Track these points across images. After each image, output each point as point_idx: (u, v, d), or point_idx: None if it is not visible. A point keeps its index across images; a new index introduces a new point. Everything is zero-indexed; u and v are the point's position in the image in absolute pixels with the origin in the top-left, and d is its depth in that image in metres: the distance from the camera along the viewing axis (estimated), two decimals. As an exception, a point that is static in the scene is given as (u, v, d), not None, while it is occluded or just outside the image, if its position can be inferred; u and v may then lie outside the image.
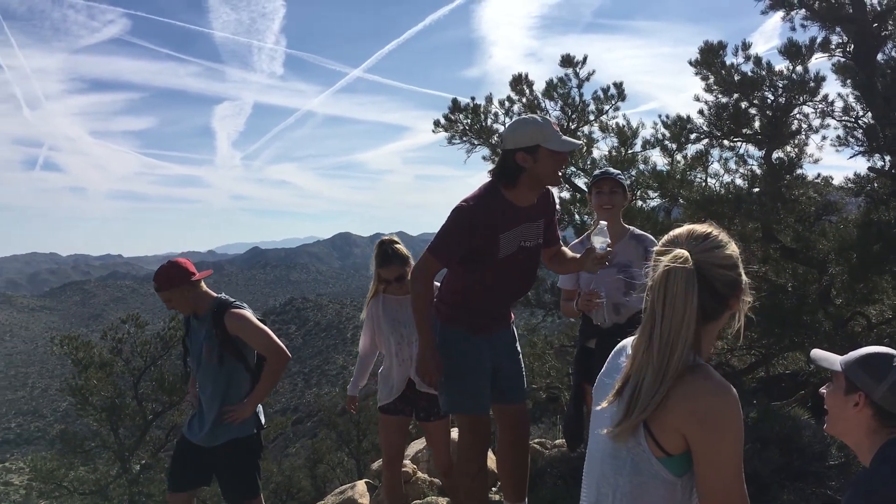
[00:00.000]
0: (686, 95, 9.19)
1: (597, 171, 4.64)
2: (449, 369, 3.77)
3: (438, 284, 3.91)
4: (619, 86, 9.97)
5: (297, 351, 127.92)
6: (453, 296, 3.80)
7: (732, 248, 1.78)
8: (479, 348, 3.77)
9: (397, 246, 4.54)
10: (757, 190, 8.71)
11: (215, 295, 4.32)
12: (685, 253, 1.71)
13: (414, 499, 6.50)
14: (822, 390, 2.23)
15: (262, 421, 4.41)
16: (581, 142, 3.48)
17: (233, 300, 4.29)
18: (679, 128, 9.18)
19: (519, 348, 4.07)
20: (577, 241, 4.70)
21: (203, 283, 4.34)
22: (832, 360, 2.20)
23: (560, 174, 3.60)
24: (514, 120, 3.77)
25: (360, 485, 7.25)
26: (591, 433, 1.90)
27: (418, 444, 7.59)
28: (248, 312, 4.21)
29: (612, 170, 4.48)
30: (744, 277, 1.77)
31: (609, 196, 4.29)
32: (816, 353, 2.28)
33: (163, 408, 15.39)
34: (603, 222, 3.65)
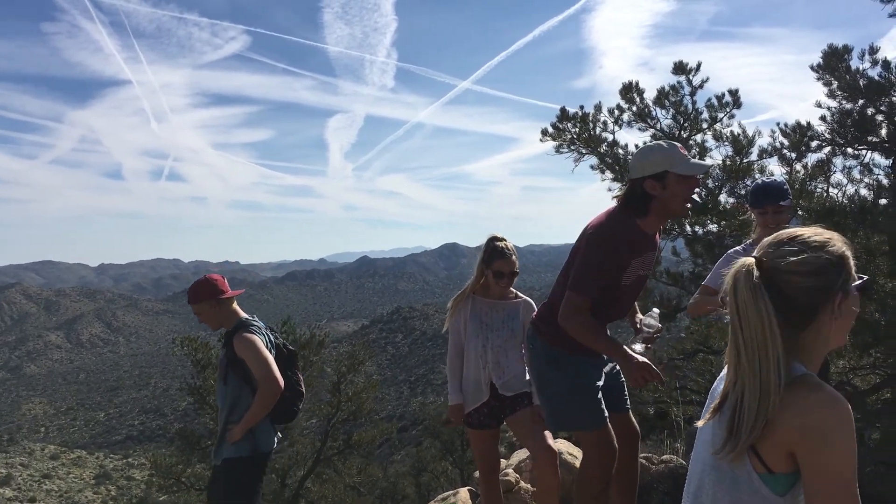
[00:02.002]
0: (807, 104, 8.83)
1: (759, 182, 4.37)
2: (559, 388, 3.75)
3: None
4: (734, 93, 9.67)
5: (404, 359, 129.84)
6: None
7: (817, 254, 1.68)
8: (586, 365, 3.73)
9: (510, 243, 4.53)
10: (883, 201, 8.26)
11: (243, 316, 4.42)
12: (750, 260, 1.70)
13: (516, 509, 6.46)
14: None
15: (270, 446, 4.39)
16: (710, 163, 3.36)
17: (252, 323, 4.36)
18: (799, 136, 8.81)
19: None
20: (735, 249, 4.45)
21: (234, 302, 4.45)
22: None
23: (688, 206, 3.45)
24: (639, 148, 3.68)
25: (463, 492, 7.26)
26: (695, 444, 1.85)
27: (522, 454, 7.54)
28: (258, 338, 4.24)
29: (774, 182, 4.24)
30: (838, 286, 1.66)
31: (774, 216, 4.09)
32: None
33: (273, 408, 15.86)
34: (655, 310, 3.70)
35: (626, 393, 4.04)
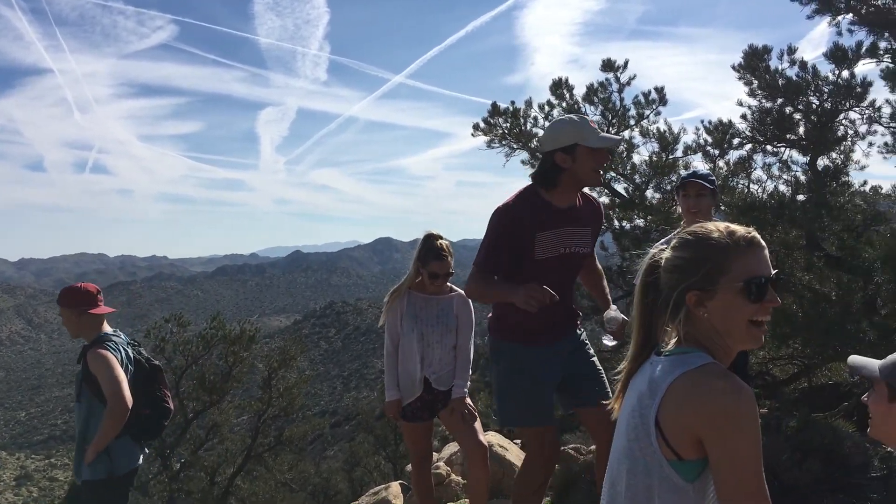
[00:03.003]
0: (731, 103, 9.08)
1: (684, 173, 4.58)
2: (505, 383, 3.77)
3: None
4: (660, 90, 9.89)
5: (337, 355, 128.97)
6: (502, 308, 3.77)
7: (681, 252, 1.77)
8: (538, 359, 3.69)
9: (446, 242, 4.54)
10: (801, 197, 8.56)
11: (105, 331, 4.26)
12: (650, 257, 1.85)
13: (447, 501, 6.50)
14: (865, 398, 2.11)
15: (130, 466, 4.24)
16: (620, 137, 3.38)
17: (111, 338, 4.21)
18: (721, 133, 9.07)
19: (591, 351, 3.94)
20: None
21: (100, 318, 4.28)
22: (871, 366, 2.06)
23: (600, 173, 3.55)
24: (552, 121, 3.74)
25: (395, 486, 7.27)
26: (614, 435, 1.90)
27: (453, 447, 7.58)
28: (112, 355, 4.08)
29: (700, 170, 4.39)
30: (694, 283, 1.73)
31: (695, 200, 4.20)
32: (854, 359, 2.14)
33: (203, 406, 15.62)
34: (613, 306, 3.82)
35: (602, 385, 3.84)
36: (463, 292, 4.67)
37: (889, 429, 1.97)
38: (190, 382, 15.49)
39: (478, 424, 4.55)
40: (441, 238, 4.52)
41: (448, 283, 4.64)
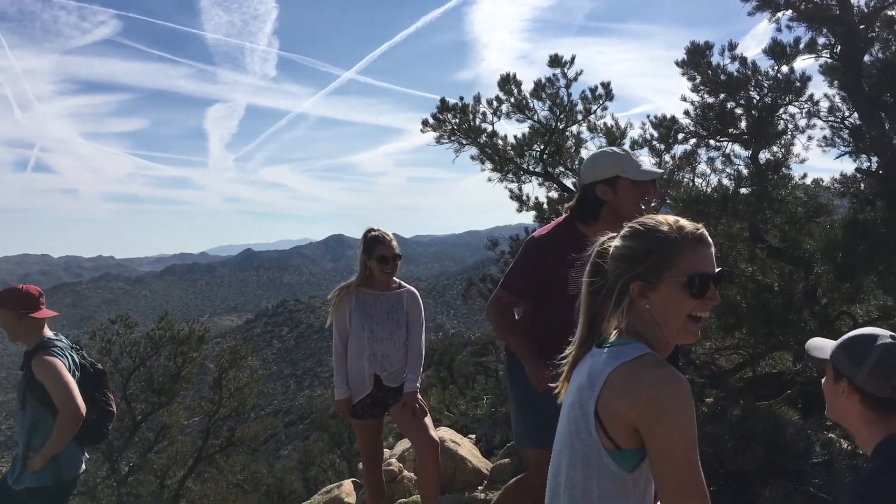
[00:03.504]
0: (677, 98, 9.23)
1: None
2: (512, 401, 3.76)
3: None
4: (606, 86, 9.98)
5: (290, 353, 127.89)
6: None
7: (629, 242, 1.82)
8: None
9: (384, 230, 4.57)
10: (744, 190, 8.73)
11: (46, 335, 4.16)
12: (599, 245, 1.91)
13: (399, 497, 6.50)
14: (823, 380, 2.15)
15: (76, 472, 4.18)
16: (661, 171, 3.30)
17: (54, 344, 4.11)
18: (666, 128, 9.21)
19: None
20: None
21: (41, 322, 4.17)
22: (825, 348, 2.11)
23: (643, 208, 3.37)
24: (592, 153, 3.64)
25: (347, 484, 7.26)
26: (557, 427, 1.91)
27: (405, 444, 7.58)
28: (59, 361, 3.98)
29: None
30: (637, 275, 1.77)
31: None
32: (812, 342, 2.20)
33: (152, 409, 15.36)
34: None
35: None
36: (412, 289, 4.69)
37: (839, 409, 2.02)
38: (138, 384, 15.21)
39: (428, 420, 4.57)
40: (379, 229, 4.57)
41: (396, 279, 4.64)
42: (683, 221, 1.80)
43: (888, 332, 1.98)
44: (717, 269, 1.78)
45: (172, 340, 15.37)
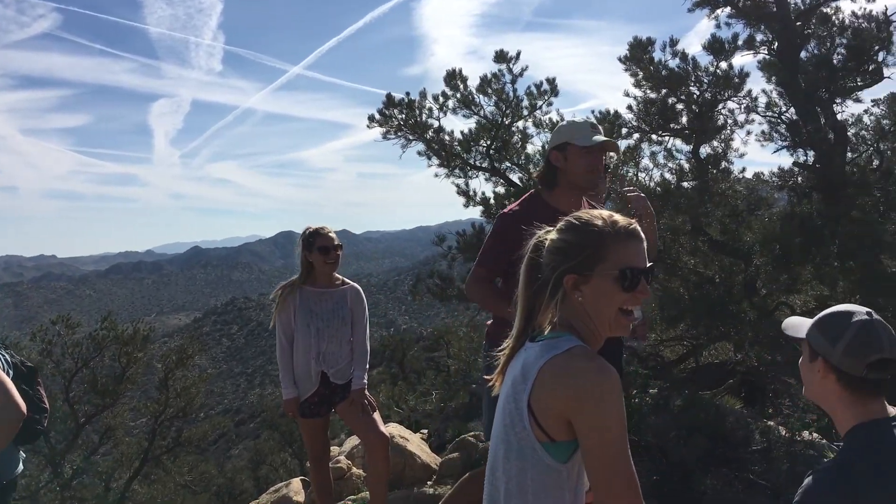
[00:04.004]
0: (622, 93, 9.36)
1: None
2: (488, 396, 3.77)
3: None
4: (551, 81, 10.05)
5: (240, 351, 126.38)
6: (501, 323, 3.77)
7: (565, 235, 1.84)
8: None
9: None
10: (686, 184, 8.90)
11: None
12: (538, 237, 1.91)
13: (348, 495, 6.47)
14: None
15: (14, 472, 4.00)
16: (611, 140, 3.33)
17: None
18: (610, 123, 9.32)
19: None
20: None
21: None
22: (801, 326, 2.07)
23: (595, 175, 3.49)
24: None
25: (296, 482, 7.19)
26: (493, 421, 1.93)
27: (354, 440, 7.55)
28: None
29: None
30: (571, 268, 1.79)
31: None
32: (788, 321, 2.16)
33: (95, 410, 15.03)
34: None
35: None
36: (356, 285, 4.68)
37: (815, 388, 2.00)
38: (81, 386, 14.86)
39: (377, 416, 4.57)
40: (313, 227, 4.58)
41: (339, 276, 4.63)
42: (617, 216, 1.83)
43: (864, 309, 1.95)
44: (648, 264, 1.82)
45: (116, 341, 15.05)
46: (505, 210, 3.60)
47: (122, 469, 15.79)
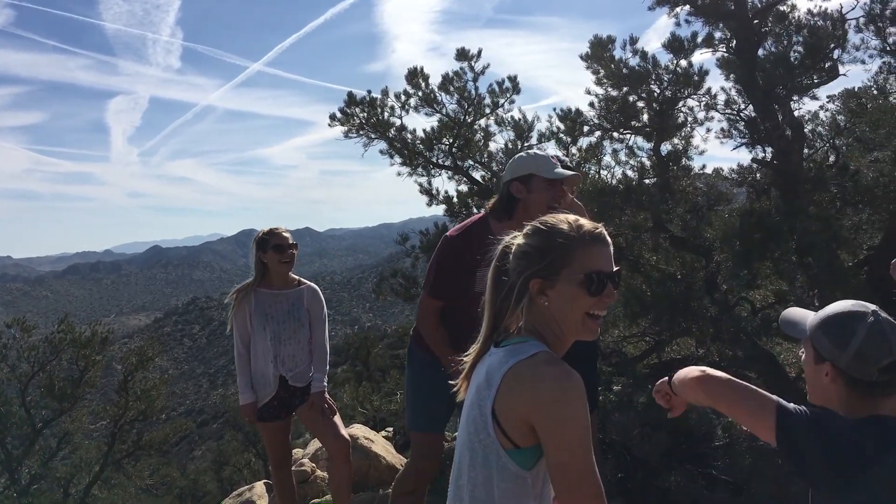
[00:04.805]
0: (584, 90, 9.41)
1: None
2: (408, 388, 3.81)
3: None
4: (513, 79, 10.08)
5: (202, 352, 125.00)
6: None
7: (530, 240, 1.83)
8: (435, 362, 3.61)
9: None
10: (648, 181, 8.96)
11: None
12: (504, 243, 1.89)
13: (312, 498, 6.42)
14: (800, 353, 2.05)
15: None
16: (577, 173, 3.33)
17: None
18: (572, 121, 9.37)
19: None
20: None
21: None
22: (801, 324, 2.00)
23: (555, 209, 3.48)
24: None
25: (259, 486, 7.12)
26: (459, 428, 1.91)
27: (318, 443, 7.49)
28: None
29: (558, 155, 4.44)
30: (537, 272, 1.78)
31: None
32: (787, 314, 2.10)
33: (53, 415, 14.76)
34: None
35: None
36: (313, 285, 4.62)
37: (822, 392, 1.93)
38: (37, 390, 14.58)
39: (338, 419, 4.51)
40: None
41: (295, 276, 4.56)
42: (583, 221, 1.82)
43: (870, 307, 1.88)
44: (614, 268, 1.80)
45: (74, 343, 14.78)
46: (450, 234, 3.55)
47: (81, 474, 15.53)
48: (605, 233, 1.82)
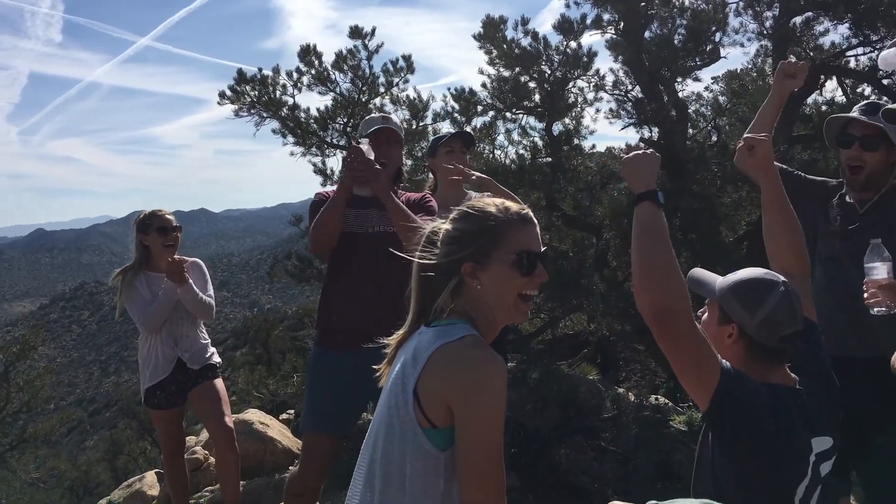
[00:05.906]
0: (478, 70, 9.46)
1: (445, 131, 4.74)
2: (307, 389, 3.75)
3: None
4: (407, 58, 10.05)
5: (92, 338, 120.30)
6: (320, 312, 3.72)
7: (457, 224, 1.86)
8: (340, 366, 3.51)
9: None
10: (541, 160, 9.11)
11: None
12: (433, 224, 1.91)
13: (206, 486, 6.30)
14: (700, 313, 2.13)
15: None
16: (380, 116, 3.31)
17: None
18: (466, 101, 9.42)
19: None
20: None
21: None
22: (710, 285, 2.11)
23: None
24: None
25: (150, 475, 6.94)
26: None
27: (211, 429, 7.34)
28: None
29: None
30: (466, 255, 1.81)
31: (459, 156, 4.16)
32: (695, 273, 2.20)
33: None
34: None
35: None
36: (195, 259, 4.52)
37: (721, 351, 2.00)
38: None
39: (226, 406, 4.43)
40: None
41: (180, 257, 4.39)
42: (509, 203, 1.87)
43: (780, 279, 2.00)
44: (542, 248, 1.85)
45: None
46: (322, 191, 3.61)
47: (-40, 471, 14.82)
48: (531, 213, 1.88)
